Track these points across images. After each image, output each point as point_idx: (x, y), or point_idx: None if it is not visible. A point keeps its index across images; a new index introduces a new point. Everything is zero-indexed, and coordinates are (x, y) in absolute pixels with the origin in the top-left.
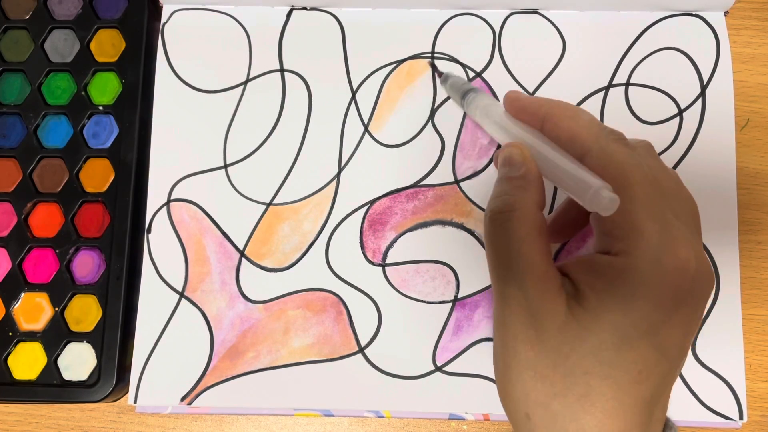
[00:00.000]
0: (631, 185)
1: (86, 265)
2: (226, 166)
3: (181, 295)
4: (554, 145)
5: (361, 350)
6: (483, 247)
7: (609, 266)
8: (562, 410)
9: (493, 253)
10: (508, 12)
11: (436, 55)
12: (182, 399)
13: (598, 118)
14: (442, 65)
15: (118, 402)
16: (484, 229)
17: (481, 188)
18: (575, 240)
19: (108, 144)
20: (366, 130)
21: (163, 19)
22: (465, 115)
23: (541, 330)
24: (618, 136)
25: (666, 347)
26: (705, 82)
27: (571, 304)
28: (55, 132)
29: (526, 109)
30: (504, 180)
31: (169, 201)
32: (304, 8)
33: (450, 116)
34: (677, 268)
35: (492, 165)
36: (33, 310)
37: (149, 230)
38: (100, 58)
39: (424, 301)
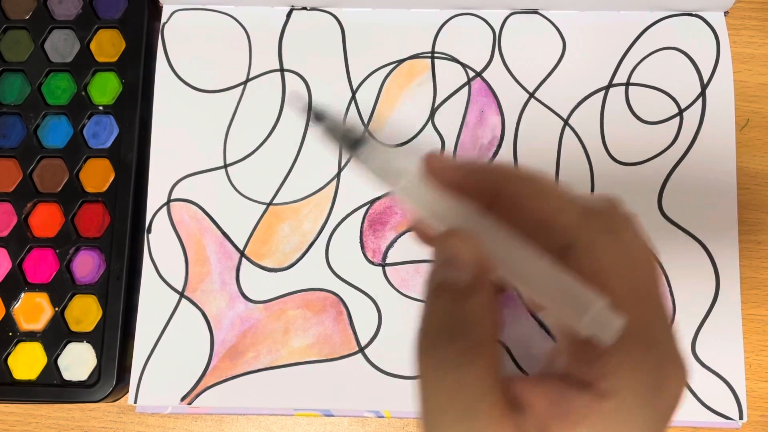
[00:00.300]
0: (623, 302)
1: (86, 265)
2: (226, 166)
3: (181, 295)
4: (516, 234)
5: (361, 350)
6: None
7: (591, 411)
8: None
9: (429, 395)
10: (508, 12)
11: (436, 55)
12: (182, 399)
13: (598, 118)
14: (441, 64)
15: (118, 402)
16: (419, 362)
17: None
18: None
19: (108, 144)
20: (366, 129)
21: (163, 19)
22: (465, 114)
23: None
24: (610, 221)
25: None
26: (705, 81)
27: None
28: (55, 132)
29: (462, 184)
30: (444, 292)
31: (169, 201)
32: (304, 8)
33: (450, 116)
34: (670, 406)
35: None
36: (33, 310)
37: (149, 230)
38: (100, 58)
39: (424, 301)
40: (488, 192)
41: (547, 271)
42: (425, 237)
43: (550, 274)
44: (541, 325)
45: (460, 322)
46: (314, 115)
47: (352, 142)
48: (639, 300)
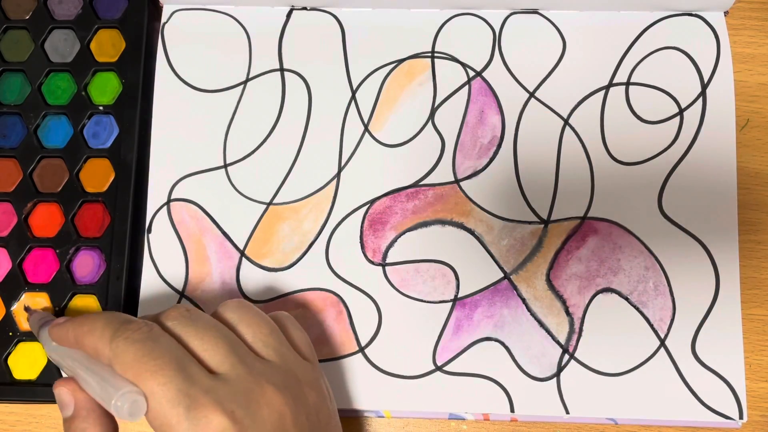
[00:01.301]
0: (145, 380)
1: (86, 265)
2: (226, 166)
3: (182, 294)
4: (95, 361)
5: (361, 350)
6: (483, 246)
7: None
8: None
9: None
10: (508, 12)
11: (436, 54)
12: None
13: (599, 117)
14: (441, 63)
15: None
16: None
17: (482, 188)
18: (575, 240)
19: (108, 144)
20: (366, 129)
21: (163, 19)
22: (465, 114)
23: None
24: (134, 329)
25: None
26: (705, 81)
27: None
28: (55, 132)
29: (62, 339)
30: (65, 425)
31: (169, 201)
32: (304, 8)
33: (450, 115)
34: None
35: (493, 164)
36: None
37: (149, 230)
38: (100, 58)
39: (424, 301)
40: (74, 342)
41: (91, 375)
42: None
43: (92, 377)
44: (541, 324)
45: None
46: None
47: (41, 326)
48: (166, 369)
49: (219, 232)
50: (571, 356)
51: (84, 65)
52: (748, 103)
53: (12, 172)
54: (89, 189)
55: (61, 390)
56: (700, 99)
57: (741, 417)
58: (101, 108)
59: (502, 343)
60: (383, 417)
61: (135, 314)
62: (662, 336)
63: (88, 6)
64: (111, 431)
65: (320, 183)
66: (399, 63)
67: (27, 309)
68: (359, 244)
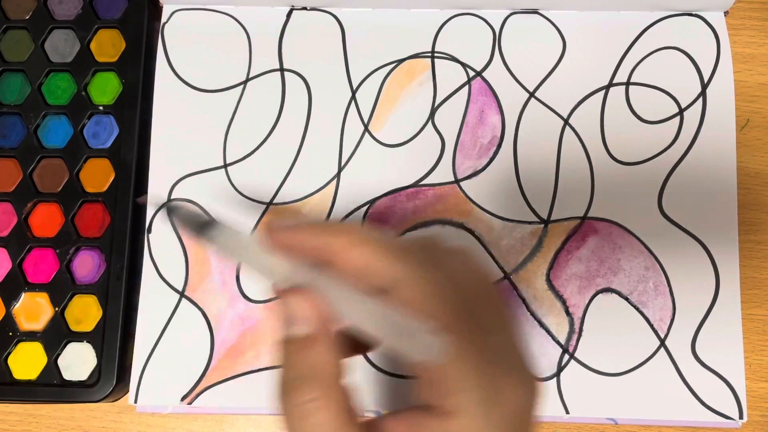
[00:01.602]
0: (447, 328)
1: (86, 265)
2: (226, 166)
3: (182, 294)
4: (348, 283)
5: None
6: (483, 246)
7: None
8: None
9: None
10: (508, 12)
11: (436, 54)
12: (182, 399)
13: (599, 117)
14: (441, 63)
15: (118, 402)
16: (283, 418)
17: (482, 188)
18: (575, 239)
19: (108, 144)
20: (366, 129)
21: (163, 19)
22: (465, 114)
23: None
24: (421, 257)
25: None
26: (705, 81)
27: None
28: (55, 132)
29: (294, 246)
30: (292, 347)
31: (169, 201)
32: (304, 8)
33: (450, 115)
34: (509, 416)
35: (493, 164)
36: (33, 310)
37: (149, 230)
38: (100, 58)
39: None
40: (318, 250)
41: (373, 310)
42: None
43: (375, 313)
44: (541, 324)
45: (305, 371)
46: (167, 209)
47: (200, 225)
48: (463, 321)
49: None
50: (571, 356)
51: (84, 65)
52: (748, 103)
53: (12, 172)
54: (89, 189)
55: (297, 301)
56: (700, 99)
57: (741, 417)
58: (101, 108)
59: None
60: None
61: (135, 315)
62: (662, 336)
63: (88, 6)
64: (343, 367)
65: (320, 183)
66: (399, 63)
67: (171, 206)
68: None
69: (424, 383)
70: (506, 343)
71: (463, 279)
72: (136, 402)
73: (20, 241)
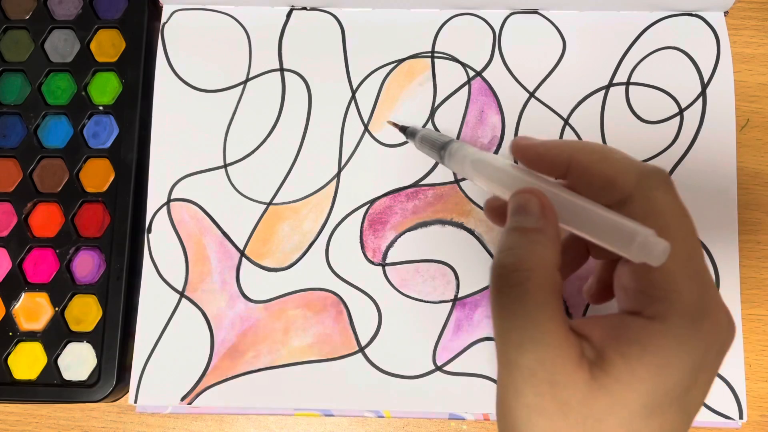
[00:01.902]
0: (674, 239)
1: (86, 265)
2: (226, 166)
3: (182, 294)
4: (574, 192)
5: (361, 350)
6: (483, 246)
7: (642, 331)
8: None
9: (503, 316)
10: (508, 12)
11: (436, 54)
12: (182, 399)
13: (599, 117)
14: (441, 63)
15: (118, 402)
16: (492, 285)
17: (482, 188)
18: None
19: (108, 144)
20: (366, 129)
21: (163, 19)
22: (465, 114)
23: (561, 402)
24: (662, 179)
25: (692, 408)
26: (705, 81)
27: (595, 372)
28: (55, 132)
29: (543, 157)
30: (517, 231)
31: (169, 201)
32: (304, 8)
33: (450, 115)
34: (713, 333)
35: None
36: (33, 310)
37: (149, 230)
38: (100, 58)
39: (424, 301)
40: (563, 162)
41: (601, 214)
42: (495, 210)
43: (603, 217)
44: None
45: (527, 254)
46: (408, 131)
47: (443, 143)
48: (688, 237)
49: (219, 232)
50: None
51: (84, 65)
52: (748, 103)
53: (12, 172)
54: (89, 189)
55: (530, 197)
56: (700, 99)
57: (741, 417)
58: (101, 108)
59: None
60: (383, 417)
61: (135, 315)
62: None
63: (88, 6)
64: (559, 262)
65: (320, 183)
66: (399, 63)
67: (398, 127)
68: (359, 244)
69: (636, 293)
70: (709, 272)
71: (684, 205)
72: (136, 402)
73: (20, 241)
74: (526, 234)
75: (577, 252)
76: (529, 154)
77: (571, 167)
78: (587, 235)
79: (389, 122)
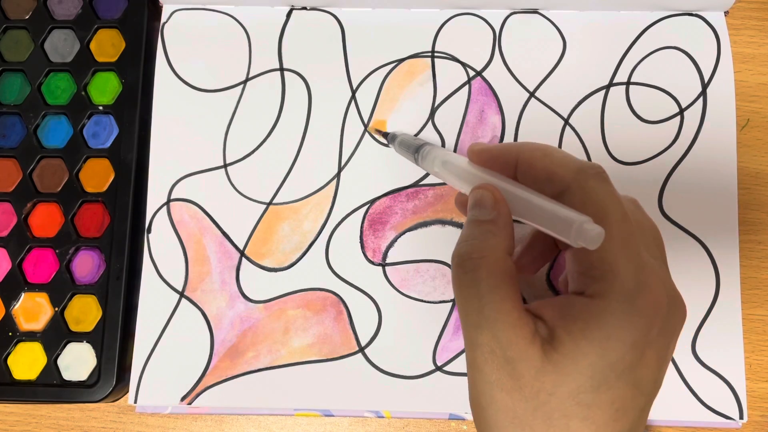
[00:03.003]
0: (609, 224)
1: (86, 265)
2: (225, 166)
3: (181, 294)
4: (526, 187)
5: (361, 350)
6: None
7: (584, 309)
8: None
9: (463, 300)
10: (508, 12)
11: (436, 54)
12: (182, 399)
13: (599, 117)
14: (441, 63)
15: (118, 402)
16: (452, 273)
17: None
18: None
19: (108, 144)
20: (366, 129)
21: (163, 19)
22: (465, 114)
23: (516, 377)
24: (597, 171)
25: (642, 383)
26: (706, 81)
27: (546, 348)
28: (55, 132)
29: (495, 158)
30: (473, 223)
31: (169, 201)
32: (304, 8)
33: (450, 115)
34: (651, 308)
35: None
36: (33, 310)
37: (149, 230)
38: (100, 58)
39: (424, 301)
40: (512, 161)
41: (544, 204)
42: (462, 204)
43: (548, 205)
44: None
45: (480, 243)
46: (389, 136)
47: (416, 147)
48: (622, 222)
49: (219, 232)
50: None
51: (84, 65)
52: (748, 103)
53: (12, 172)
54: (89, 189)
55: (484, 193)
56: (701, 99)
57: (741, 417)
58: (101, 108)
59: None
60: (383, 417)
61: (135, 315)
62: None
63: (87, 6)
64: (512, 249)
65: (320, 183)
66: (399, 63)
67: (380, 133)
68: (359, 244)
69: (579, 275)
70: (659, 266)
71: (628, 205)
72: (135, 402)
73: (20, 241)
74: (480, 225)
75: (546, 245)
76: (483, 157)
77: (519, 164)
78: (534, 223)
79: (372, 130)
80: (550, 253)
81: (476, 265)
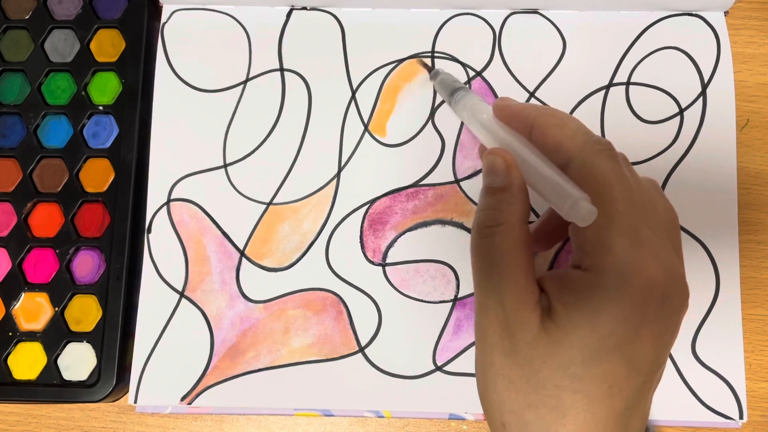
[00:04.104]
0: (608, 200)
1: (86, 265)
2: (225, 166)
3: (181, 294)
4: (539, 152)
5: (361, 350)
6: None
7: (578, 281)
8: (535, 421)
9: (477, 264)
10: (508, 12)
11: (436, 54)
12: (182, 399)
13: (599, 117)
14: (441, 63)
15: (118, 402)
16: (471, 240)
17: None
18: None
19: (108, 144)
20: (366, 129)
21: (163, 19)
22: None
23: (514, 342)
24: (604, 147)
25: (637, 361)
26: (706, 81)
27: (544, 318)
28: (55, 132)
29: (515, 115)
30: (488, 192)
31: (169, 201)
32: (304, 8)
33: (450, 115)
34: (644, 285)
35: None
36: (33, 310)
37: (149, 230)
38: (100, 58)
39: (424, 301)
40: (529, 123)
41: (549, 174)
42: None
43: (550, 176)
44: None
45: (496, 212)
46: (433, 72)
47: (453, 89)
48: (621, 199)
49: (219, 232)
50: None
51: (84, 65)
52: (748, 103)
53: (12, 172)
54: (89, 189)
55: (496, 159)
56: (701, 99)
57: (741, 417)
58: (101, 108)
59: None
60: (383, 417)
61: (135, 315)
62: None
63: (88, 6)
64: (527, 216)
65: (320, 183)
66: (399, 63)
67: (426, 66)
68: (359, 244)
69: (577, 249)
70: (662, 245)
71: (644, 185)
72: (136, 402)
73: (20, 241)
74: (495, 194)
75: (561, 220)
76: (504, 113)
77: (533, 128)
78: (536, 190)
79: (418, 60)
80: (566, 231)
81: (491, 233)
